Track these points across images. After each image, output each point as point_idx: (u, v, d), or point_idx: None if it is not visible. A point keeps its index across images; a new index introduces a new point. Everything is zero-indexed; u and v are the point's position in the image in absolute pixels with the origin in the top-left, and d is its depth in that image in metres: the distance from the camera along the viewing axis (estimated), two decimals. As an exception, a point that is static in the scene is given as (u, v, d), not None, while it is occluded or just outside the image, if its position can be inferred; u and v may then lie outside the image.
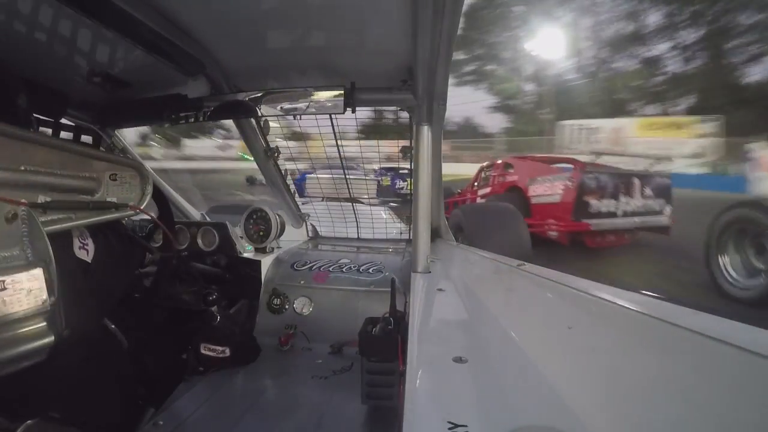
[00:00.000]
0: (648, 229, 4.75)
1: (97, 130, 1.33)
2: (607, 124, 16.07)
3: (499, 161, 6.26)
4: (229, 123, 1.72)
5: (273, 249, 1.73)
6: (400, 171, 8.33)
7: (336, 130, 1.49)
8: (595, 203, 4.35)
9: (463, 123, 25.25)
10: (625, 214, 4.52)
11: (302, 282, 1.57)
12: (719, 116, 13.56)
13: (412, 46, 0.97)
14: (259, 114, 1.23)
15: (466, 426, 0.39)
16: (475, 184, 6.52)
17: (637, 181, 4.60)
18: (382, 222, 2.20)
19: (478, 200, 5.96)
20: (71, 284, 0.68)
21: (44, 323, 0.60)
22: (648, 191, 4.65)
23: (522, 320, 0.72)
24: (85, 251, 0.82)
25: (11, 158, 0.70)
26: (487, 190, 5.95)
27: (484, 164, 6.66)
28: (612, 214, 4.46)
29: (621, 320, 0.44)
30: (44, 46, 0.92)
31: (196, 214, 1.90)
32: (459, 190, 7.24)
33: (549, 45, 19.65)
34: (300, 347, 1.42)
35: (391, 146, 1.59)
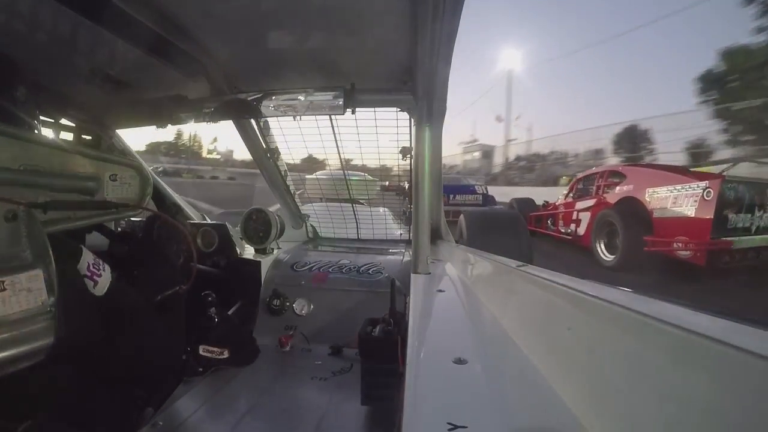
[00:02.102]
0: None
1: (97, 130, 1.33)
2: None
3: (603, 170, 5.65)
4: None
5: (273, 250, 1.73)
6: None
7: (336, 131, 1.49)
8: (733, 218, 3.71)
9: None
10: (758, 231, 3.86)
11: (302, 283, 1.57)
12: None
13: (412, 46, 0.98)
14: (259, 115, 1.23)
15: (466, 427, 0.39)
16: (570, 194, 6.04)
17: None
18: (382, 223, 2.19)
19: (578, 214, 5.52)
20: (70, 305, 0.64)
21: (44, 323, 0.60)
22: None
23: (522, 321, 0.72)
24: (92, 281, 0.77)
25: (11, 158, 0.70)
26: (591, 202, 5.32)
27: (580, 174, 6.19)
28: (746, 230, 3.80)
29: (621, 321, 0.44)
30: (45, 47, 0.93)
31: (195, 214, 1.89)
32: (546, 201, 6.89)
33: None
34: (299, 348, 1.42)
35: (390, 147, 1.58)
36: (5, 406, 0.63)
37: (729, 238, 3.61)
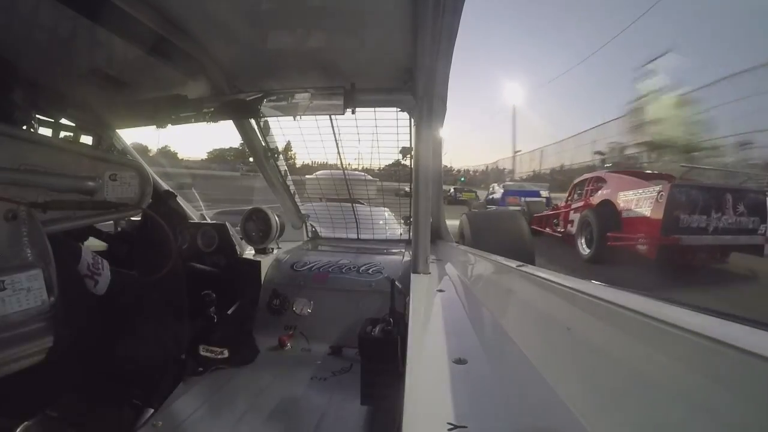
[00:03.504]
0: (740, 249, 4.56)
1: (97, 130, 1.33)
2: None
3: (592, 176, 6.32)
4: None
5: (273, 250, 1.73)
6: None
7: (336, 131, 1.49)
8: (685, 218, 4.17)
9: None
10: (716, 231, 4.29)
11: (302, 283, 1.57)
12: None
13: (412, 47, 0.98)
14: (259, 114, 1.23)
15: (465, 427, 0.39)
16: (569, 199, 6.66)
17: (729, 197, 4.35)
18: (382, 223, 2.19)
19: (571, 214, 6.12)
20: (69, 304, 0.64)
21: (43, 323, 0.60)
22: (741, 208, 4.38)
23: (522, 321, 0.72)
24: (92, 281, 0.78)
25: (11, 158, 0.70)
26: (580, 204, 6.03)
27: (577, 180, 6.76)
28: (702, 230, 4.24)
29: (621, 320, 0.44)
30: (45, 47, 0.93)
31: (195, 214, 1.89)
32: (555, 204, 7.61)
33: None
34: (299, 348, 1.41)
35: (391, 147, 1.59)
36: (5, 406, 0.63)
37: (678, 236, 4.10)
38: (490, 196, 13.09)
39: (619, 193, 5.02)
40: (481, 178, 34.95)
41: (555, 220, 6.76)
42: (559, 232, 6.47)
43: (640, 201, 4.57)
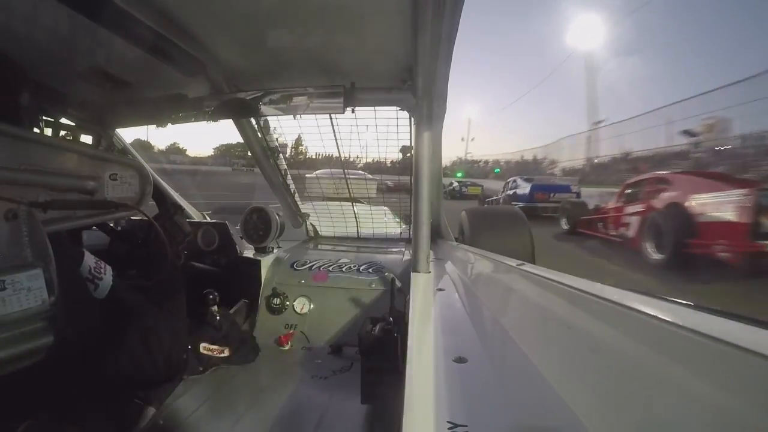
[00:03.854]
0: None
1: (98, 130, 1.33)
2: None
3: (650, 176, 6.10)
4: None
5: (273, 249, 1.73)
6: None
7: (336, 130, 1.49)
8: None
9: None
10: None
11: (302, 282, 1.57)
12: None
13: (412, 46, 0.98)
14: (259, 114, 1.23)
15: (466, 426, 0.39)
16: (620, 200, 6.44)
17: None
18: (382, 222, 2.19)
19: (626, 218, 5.91)
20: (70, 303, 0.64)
21: (44, 323, 0.60)
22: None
23: (522, 320, 0.72)
24: (93, 285, 0.77)
25: (11, 158, 0.70)
26: (640, 207, 5.74)
27: (629, 181, 6.63)
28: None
29: (621, 320, 0.44)
30: (45, 46, 0.92)
31: (196, 213, 1.90)
32: (597, 206, 7.33)
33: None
34: (300, 347, 1.42)
35: (390, 146, 1.59)
36: (5, 406, 0.63)
37: (765, 242, 4.01)
38: (511, 191, 11.31)
39: (691, 195, 4.83)
40: (516, 169, 28.78)
41: (605, 222, 6.52)
42: (614, 235, 6.22)
43: (720, 205, 4.41)
